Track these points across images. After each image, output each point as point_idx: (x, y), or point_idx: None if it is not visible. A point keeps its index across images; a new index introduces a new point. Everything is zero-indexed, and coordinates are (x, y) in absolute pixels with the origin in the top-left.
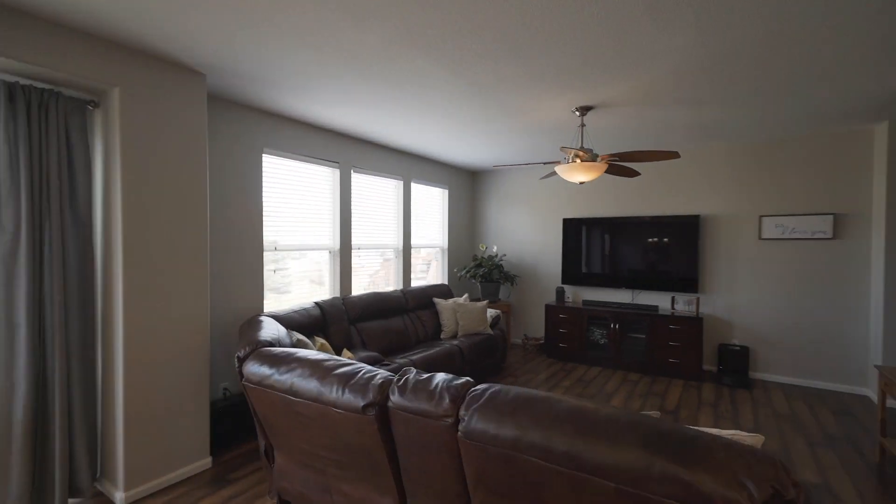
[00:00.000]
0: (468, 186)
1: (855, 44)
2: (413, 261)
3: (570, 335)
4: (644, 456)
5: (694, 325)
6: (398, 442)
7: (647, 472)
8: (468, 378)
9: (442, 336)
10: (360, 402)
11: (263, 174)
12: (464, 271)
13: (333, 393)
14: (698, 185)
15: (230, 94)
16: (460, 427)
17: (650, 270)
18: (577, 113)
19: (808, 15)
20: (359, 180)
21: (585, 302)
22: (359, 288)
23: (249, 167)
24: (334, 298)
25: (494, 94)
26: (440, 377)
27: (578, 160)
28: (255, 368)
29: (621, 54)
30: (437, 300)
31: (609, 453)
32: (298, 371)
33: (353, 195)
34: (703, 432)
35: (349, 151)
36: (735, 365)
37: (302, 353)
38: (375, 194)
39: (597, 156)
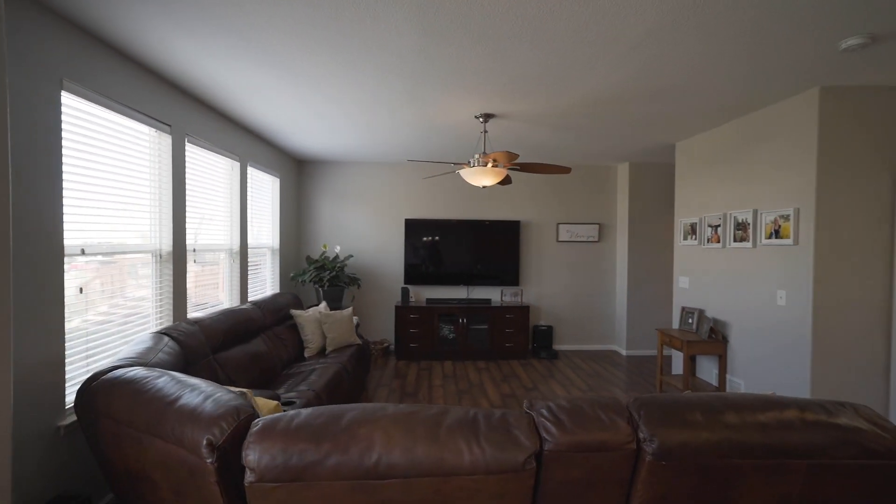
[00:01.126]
0: (294, 177)
1: (609, 125)
2: (224, 265)
3: (420, 334)
4: (828, 433)
5: (522, 312)
6: (545, 495)
7: (830, 445)
8: (589, 393)
9: (307, 354)
10: (520, 456)
11: (63, 126)
12: (304, 275)
13: (467, 453)
14: (519, 196)
15: None
16: (649, 449)
17: (482, 268)
18: (481, 119)
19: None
20: (193, 156)
21: (429, 300)
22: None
23: (39, 109)
24: (183, 325)
25: (397, 80)
26: (588, 399)
27: (491, 164)
28: (276, 454)
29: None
30: (295, 312)
31: (799, 434)
32: (380, 435)
33: (187, 177)
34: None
35: (184, 112)
36: (544, 341)
37: (360, 406)
38: (210, 178)
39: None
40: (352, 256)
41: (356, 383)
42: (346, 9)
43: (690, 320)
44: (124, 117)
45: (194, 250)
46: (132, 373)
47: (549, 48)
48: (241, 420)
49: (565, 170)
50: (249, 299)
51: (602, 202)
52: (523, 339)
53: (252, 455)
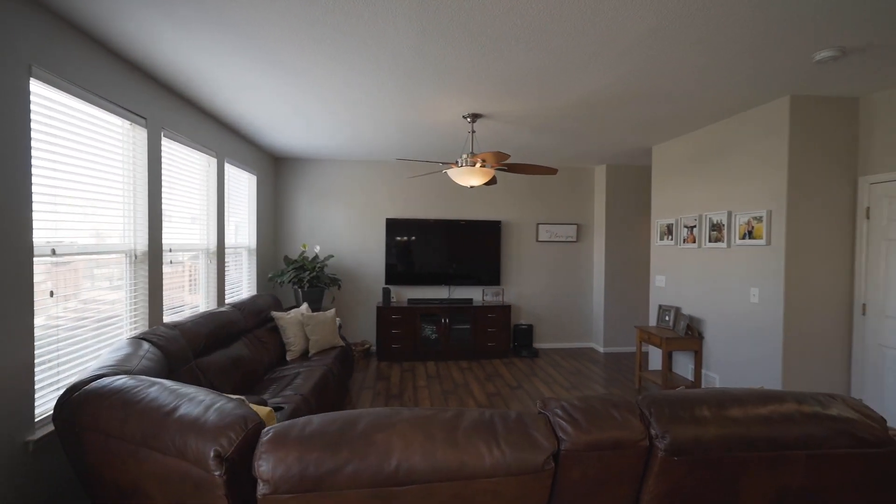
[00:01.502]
0: (271, 175)
1: (592, 128)
2: (198, 266)
3: (403, 335)
4: (822, 424)
5: (504, 311)
6: (560, 494)
7: (826, 436)
8: (604, 391)
9: (289, 358)
10: (539, 456)
11: (33, 116)
12: (282, 276)
13: (488, 455)
14: (500, 196)
15: None
16: (661, 445)
17: (463, 268)
18: (468, 119)
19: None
20: (169, 151)
21: (410, 300)
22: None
23: (5, 97)
24: (162, 329)
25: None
26: (599, 398)
27: (480, 164)
28: (291, 464)
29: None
30: (276, 314)
31: (799, 426)
32: (398, 441)
33: (163, 173)
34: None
35: (160, 105)
36: (525, 340)
37: (373, 411)
38: (187, 175)
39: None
40: (332, 256)
41: (340, 386)
42: (345, 4)
43: (667, 318)
44: (97, 108)
45: (170, 250)
46: (119, 382)
47: (545, 49)
48: (250, 429)
49: (552, 171)
50: (227, 301)
51: (580, 203)
52: (505, 338)
53: (265, 465)
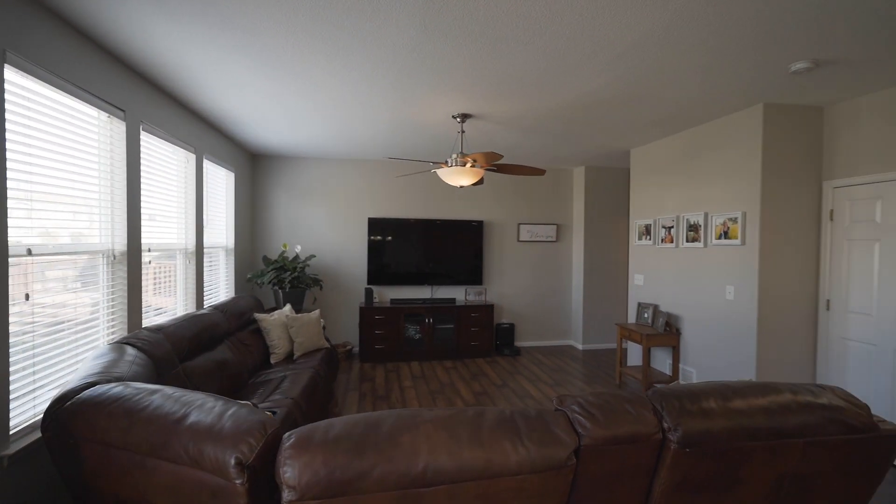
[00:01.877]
0: (249, 172)
1: (577, 130)
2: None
3: (386, 335)
4: (815, 413)
5: (487, 311)
6: (579, 488)
7: (819, 424)
8: (613, 388)
9: (273, 361)
10: (563, 452)
11: (7, 106)
12: (262, 277)
13: (513, 453)
14: (482, 196)
15: None
16: (673, 438)
17: (446, 267)
18: (458, 119)
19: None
20: (148, 145)
21: (393, 301)
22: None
23: None
24: (145, 333)
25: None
26: (611, 394)
27: (470, 164)
28: (318, 469)
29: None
30: (259, 316)
31: (796, 415)
32: (424, 442)
33: (142, 168)
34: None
35: (140, 97)
36: (507, 339)
37: (393, 413)
38: (164, 171)
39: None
40: (314, 256)
41: (326, 389)
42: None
43: (646, 315)
44: (74, 98)
45: (149, 250)
46: (116, 390)
47: (543, 51)
48: (269, 435)
49: (540, 171)
50: (206, 304)
51: (560, 203)
52: (488, 338)
53: (290, 472)
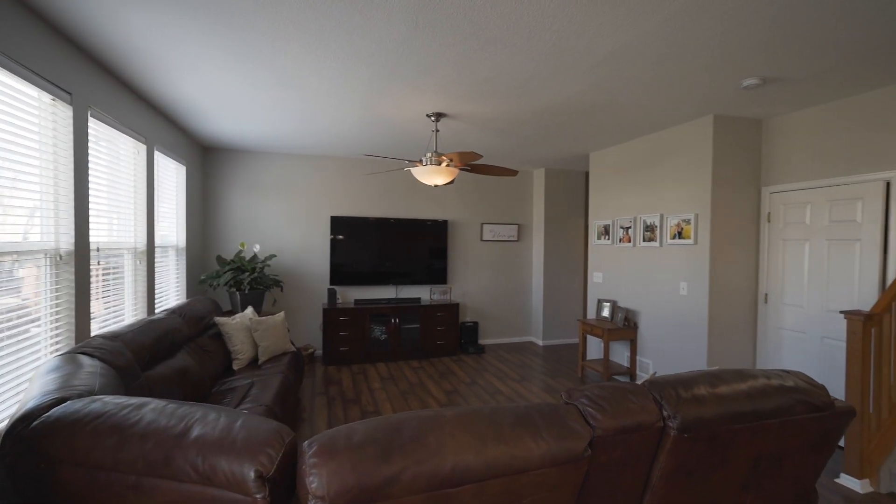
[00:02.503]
0: (200, 166)
1: (545, 133)
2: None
3: (351, 337)
4: (786, 395)
5: (452, 309)
6: (589, 478)
7: (790, 405)
8: (606, 379)
9: (236, 367)
10: (580, 444)
11: None
12: (218, 278)
13: (535, 448)
14: (446, 196)
15: None
16: (673, 425)
17: (411, 266)
18: (433, 118)
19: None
20: (97, 134)
21: (357, 301)
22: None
23: None
24: (99, 340)
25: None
26: (612, 386)
27: (446, 163)
28: (346, 476)
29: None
30: (219, 320)
31: (772, 399)
32: (450, 441)
33: (90, 158)
34: (756, 370)
35: (87, 79)
36: (471, 337)
37: (412, 414)
38: (114, 162)
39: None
40: (275, 256)
41: (294, 394)
42: None
43: (606, 311)
44: (11, 75)
45: (97, 249)
46: (95, 406)
47: (529, 55)
48: (288, 443)
49: (513, 172)
50: (157, 308)
51: (521, 204)
52: (454, 337)
53: (316, 481)
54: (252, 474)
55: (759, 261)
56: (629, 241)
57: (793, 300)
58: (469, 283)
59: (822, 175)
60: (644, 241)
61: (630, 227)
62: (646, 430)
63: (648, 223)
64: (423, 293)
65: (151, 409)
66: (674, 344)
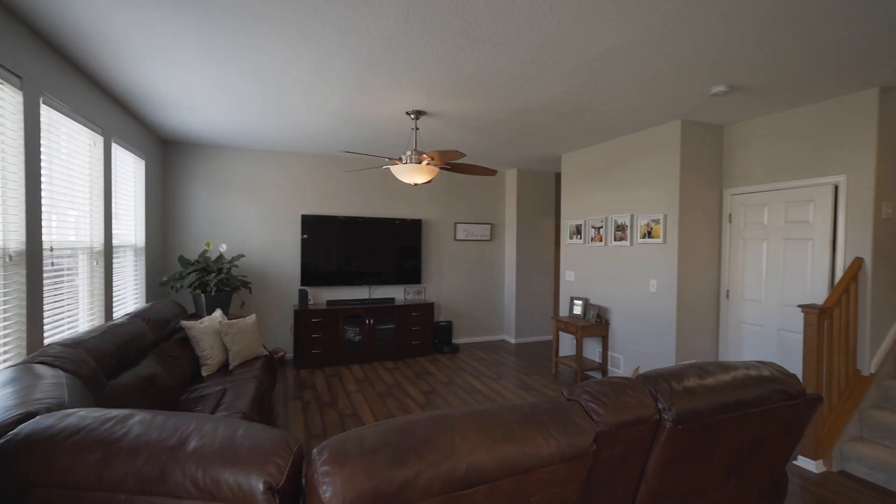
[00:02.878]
0: (160, 161)
1: (521, 134)
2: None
3: (324, 338)
4: (765, 385)
5: (427, 309)
6: (593, 473)
7: (768, 394)
8: (604, 373)
9: (205, 373)
10: (586, 440)
11: None
12: (181, 279)
13: (545, 445)
14: (419, 195)
15: None
16: (668, 417)
17: (385, 266)
18: (412, 116)
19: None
20: (50, 123)
21: (329, 302)
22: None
23: None
24: (58, 348)
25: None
26: (609, 381)
27: (427, 161)
28: (361, 483)
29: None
30: (186, 324)
31: (752, 389)
32: (462, 442)
33: (42, 150)
34: (731, 362)
35: (40, 63)
36: (445, 337)
37: (421, 416)
38: (68, 154)
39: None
40: (243, 256)
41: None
42: None
43: (578, 308)
44: None
45: (51, 249)
46: (71, 421)
47: (516, 55)
48: (296, 452)
49: (492, 172)
50: (115, 312)
51: (493, 204)
52: (429, 336)
53: (330, 490)
54: (261, 486)
55: (722, 259)
56: (601, 241)
57: (752, 295)
58: (443, 283)
59: (778, 178)
60: (615, 240)
61: (601, 227)
62: (643, 424)
63: (619, 223)
64: (398, 293)
65: (138, 421)
66: (644, 339)
